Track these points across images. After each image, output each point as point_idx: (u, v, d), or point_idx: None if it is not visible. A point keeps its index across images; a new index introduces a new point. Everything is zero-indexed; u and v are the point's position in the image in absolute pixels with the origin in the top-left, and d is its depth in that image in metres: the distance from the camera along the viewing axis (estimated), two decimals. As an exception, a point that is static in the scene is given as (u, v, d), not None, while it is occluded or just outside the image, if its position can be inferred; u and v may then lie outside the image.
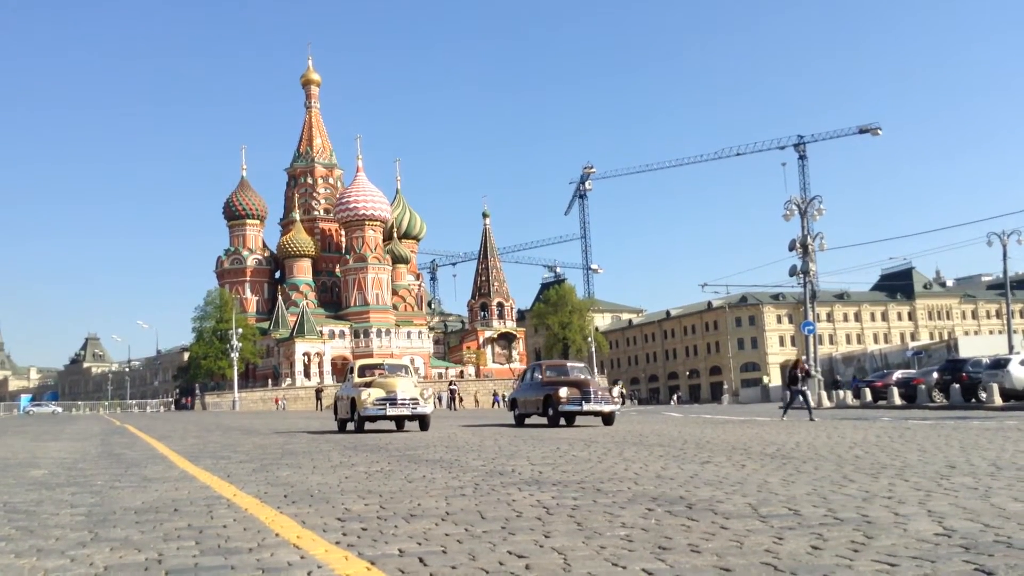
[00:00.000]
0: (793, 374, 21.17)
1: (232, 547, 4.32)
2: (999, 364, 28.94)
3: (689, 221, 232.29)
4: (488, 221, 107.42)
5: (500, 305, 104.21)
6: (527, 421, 20.13)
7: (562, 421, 18.37)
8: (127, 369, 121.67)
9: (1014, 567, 3.49)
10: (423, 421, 17.21)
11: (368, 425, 17.50)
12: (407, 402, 16.65)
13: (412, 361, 77.07)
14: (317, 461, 9.81)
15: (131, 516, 5.50)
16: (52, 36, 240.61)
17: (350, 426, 17.90)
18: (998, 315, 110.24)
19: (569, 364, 20.86)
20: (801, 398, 20.97)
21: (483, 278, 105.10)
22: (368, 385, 17.05)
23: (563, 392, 17.78)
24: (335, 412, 19.08)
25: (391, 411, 16.59)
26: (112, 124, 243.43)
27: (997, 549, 3.87)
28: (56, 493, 6.98)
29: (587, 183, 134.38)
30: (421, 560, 3.90)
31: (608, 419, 18.16)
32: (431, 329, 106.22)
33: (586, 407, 17.80)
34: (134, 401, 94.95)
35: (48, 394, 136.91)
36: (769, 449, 10.33)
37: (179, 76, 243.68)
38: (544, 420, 18.85)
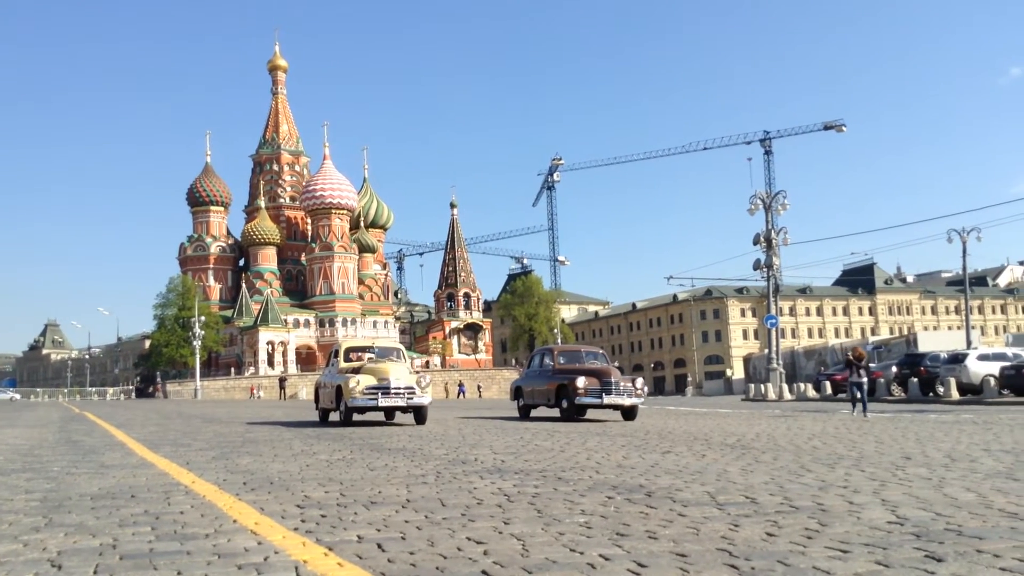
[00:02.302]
0: (853, 364, 18.89)
1: (188, 533, 4.29)
2: (957, 359, 29.45)
3: (656, 214, 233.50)
4: (456, 211, 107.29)
5: (467, 296, 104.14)
6: (534, 413, 18.49)
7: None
8: (87, 356, 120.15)
9: (963, 554, 3.56)
10: (419, 413, 15.06)
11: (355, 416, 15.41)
12: (402, 391, 14.54)
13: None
14: (278, 449, 9.75)
15: (87, 502, 5.44)
16: (9, 17, 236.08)
17: (334, 417, 16.14)
18: (957, 311, 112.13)
19: (584, 350, 18.78)
20: (857, 390, 18.58)
21: (450, 268, 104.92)
22: (357, 371, 14.98)
23: (581, 382, 15.87)
24: (316, 401, 17.36)
25: (384, 401, 14.47)
26: (73, 108, 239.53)
27: (947, 537, 3.94)
28: (11, 479, 6.89)
29: (555, 175, 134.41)
30: (379, 546, 3.90)
31: (629, 413, 16.24)
32: (397, 319, 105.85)
33: (606, 400, 15.88)
34: (94, 389, 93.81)
35: (6, 380, 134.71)
36: (730, 440, 10.44)
37: (143, 60, 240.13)
38: (552, 412, 17.45)
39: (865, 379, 18.67)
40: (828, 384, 35.19)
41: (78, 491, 6.02)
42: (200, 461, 8.32)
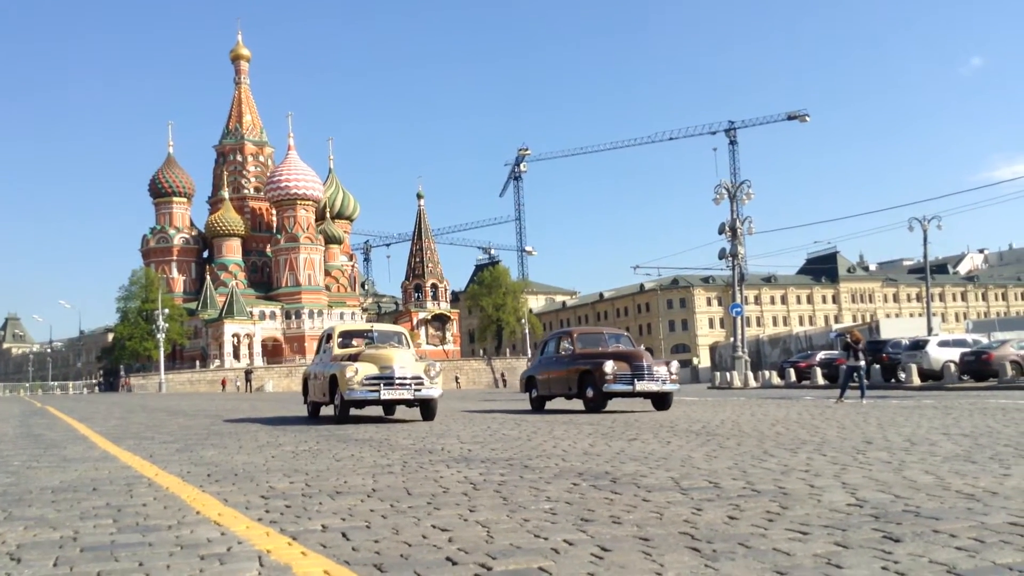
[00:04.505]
0: (851, 348, 17.93)
1: (151, 525, 4.25)
2: (918, 345, 29.92)
3: (622, 204, 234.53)
4: (423, 202, 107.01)
5: (434, 287, 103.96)
6: (549, 405, 16.96)
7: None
8: (49, 350, 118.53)
9: (920, 534, 3.62)
10: (428, 407, 13.16)
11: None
12: (408, 381, 12.59)
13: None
14: (243, 441, 9.69)
15: (48, 495, 5.37)
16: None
17: (326, 411, 14.33)
18: (918, 298, 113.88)
19: (607, 331, 16.87)
20: (855, 376, 17.85)
21: (417, 259, 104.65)
22: (354, 358, 13.01)
23: (609, 367, 14.07)
24: (304, 393, 15.50)
25: (387, 393, 12.45)
26: (33, 98, 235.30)
27: (905, 518, 4.01)
28: (-31, 474, 6.77)
29: (522, 165, 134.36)
30: (344, 535, 3.89)
31: (663, 402, 14.61)
32: (364, 310, 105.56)
33: (639, 386, 14.13)
34: (56, 383, 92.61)
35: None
36: (695, 427, 10.52)
37: (103, 50, 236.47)
38: (569, 403, 16.26)
39: (863, 362, 18.00)
40: (792, 371, 35.60)
41: (39, 484, 5.94)
42: (163, 454, 8.25)
